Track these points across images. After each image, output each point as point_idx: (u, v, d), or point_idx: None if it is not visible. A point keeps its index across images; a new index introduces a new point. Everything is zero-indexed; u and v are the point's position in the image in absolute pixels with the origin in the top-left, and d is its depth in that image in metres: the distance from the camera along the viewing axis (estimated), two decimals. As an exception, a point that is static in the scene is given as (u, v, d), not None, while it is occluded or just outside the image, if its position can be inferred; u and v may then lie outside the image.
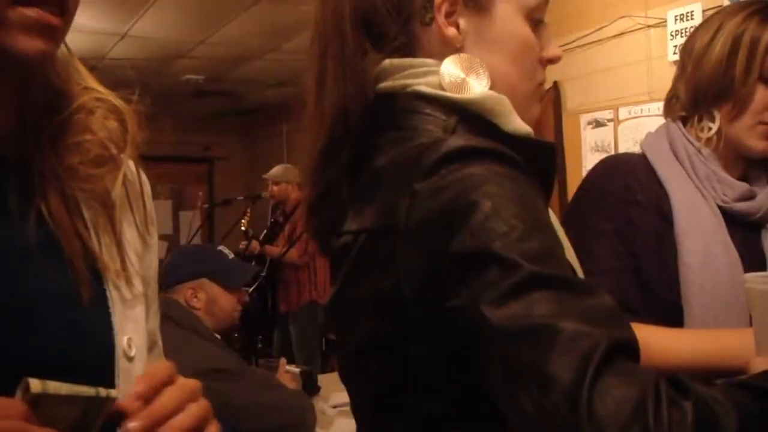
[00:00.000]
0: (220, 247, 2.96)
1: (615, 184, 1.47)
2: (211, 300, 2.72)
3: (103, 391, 0.67)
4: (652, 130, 1.58)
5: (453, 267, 0.81)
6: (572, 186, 4.66)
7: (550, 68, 1.09)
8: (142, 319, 0.92)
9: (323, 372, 4.96)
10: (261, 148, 9.93)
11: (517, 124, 0.96)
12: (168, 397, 0.72)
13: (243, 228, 6.51)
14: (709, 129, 1.46)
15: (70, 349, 0.78)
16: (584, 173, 1.60)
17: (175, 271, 2.68)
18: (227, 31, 5.90)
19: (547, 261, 0.79)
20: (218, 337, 2.72)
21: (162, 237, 1.05)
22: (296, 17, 5.33)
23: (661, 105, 1.61)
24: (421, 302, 0.85)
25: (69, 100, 0.89)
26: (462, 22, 1.01)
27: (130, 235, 0.94)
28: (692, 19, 4.17)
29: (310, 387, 3.08)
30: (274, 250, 5.91)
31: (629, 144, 4.47)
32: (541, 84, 1.08)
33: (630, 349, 0.75)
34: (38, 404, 0.63)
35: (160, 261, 1.09)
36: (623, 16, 4.60)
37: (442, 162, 0.85)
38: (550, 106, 5.06)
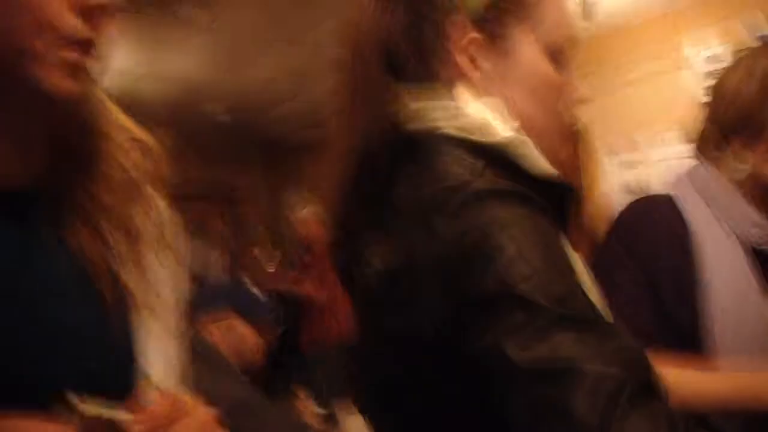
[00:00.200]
0: (246, 282, 2.97)
1: (642, 226, 1.47)
2: (236, 335, 2.72)
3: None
4: (682, 171, 1.57)
5: (476, 309, 0.81)
6: (601, 227, 4.63)
7: (578, 109, 1.09)
8: (170, 350, 0.93)
9: (347, 410, 4.92)
10: (287, 186, 9.99)
11: (542, 166, 0.96)
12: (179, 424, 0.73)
13: (266, 264, 6.52)
14: (741, 171, 1.45)
15: (101, 380, 0.79)
16: (614, 214, 1.59)
17: (201, 305, 2.69)
18: (254, 70, 5.97)
19: (570, 303, 0.79)
20: (240, 372, 2.71)
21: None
22: (324, 58, 5.36)
23: (691, 146, 1.60)
24: (442, 343, 0.85)
25: (100, 136, 0.91)
26: (485, 65, 1.01)
27: (158, 267, 0.95)
28: (723, 60, 4.17)
29: (332, 424, 3.06)
30: (297, 286, 5.92)
31: (659, 185, 4.45)
32: (570, 124, 1.07)
33: (655, 389, 0.75)
34: (80, 424, 0.65)
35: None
36: (653, 58, 4.61)
37: (466, 204, 0.86)
38: (579, 147, 5.06)
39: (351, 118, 1.03)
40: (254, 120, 7.86)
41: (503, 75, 1.01)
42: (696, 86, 4.38)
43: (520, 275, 0.79)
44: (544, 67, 1.02)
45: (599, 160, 5.06)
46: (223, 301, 2.77)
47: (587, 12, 4.12)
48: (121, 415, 0.68)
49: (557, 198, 0.94)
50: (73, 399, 0.65)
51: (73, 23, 0.78)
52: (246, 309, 2.77)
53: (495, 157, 0.96)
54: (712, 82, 1.56)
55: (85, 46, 0.79)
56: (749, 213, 1.44)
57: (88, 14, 0.79)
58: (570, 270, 0.84)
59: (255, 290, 2.92)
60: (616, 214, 1.56)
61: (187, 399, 0.77)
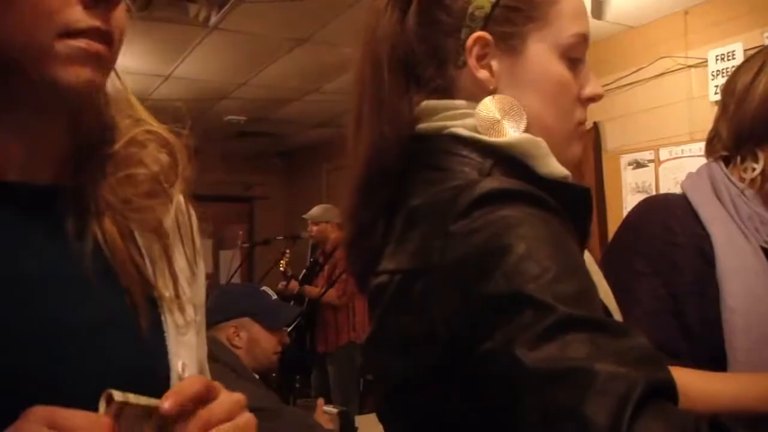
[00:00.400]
0: (264, 288, 2.97)
1: (655, 226, 1.45)
2: (253, 340, 2.73)
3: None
4: (694, 170, 1.56)
5: (486, 309, 0.81)
6: (612, 227, 4.63)
7: (590, 109, 1.08)
8: (194, 345, 0.94)
9: (361, 413, 4.92)
10: (301, 188, 10.01)
11: (553, 167, 0.96)
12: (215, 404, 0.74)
13: (282, 268, 6.53)
14: (753, 169, 1.45)
15: (129, 374, 0.78)
16: (624, 214, 1.58)
17: (218, 309, 2.69)
18: (269, 72, 5.98)
19: (580, 303, 0.78)
20: (257, 376, 2.72)
21: (202, 275, 1.09)
22: (337, 59, 5.40)
23: (702, 145, 1.60)
24: (455, 344, 0.84)
25: (121, 132, 0.92)
26: (495, 64, 1.01)
27: (181, 263, 0.96)
28: (733, 58, 4.16)
29: (348, 428, 3.06)
30: (313, 290, 5.92)
31: (670, 184, 4.45)
32: (582, 123, 1.07)
33: (667, 390, 0.73)
34: (121, 415, 0.65)
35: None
36: (663, 57, 4.60)
37: (475, 204, 0.86)
38: (590, 147, 5.05)
39: (367, 123, 1.03)
40: (267, 120, 7.85)
41: (512, 74, 1.01)
42: (707, 85, 4.36)
43: (529, 274, 0.79)
44: (555, 66, 1.01)
45: (609, 160, 5.06)
46: (240, 304, 2.78)
47: (598, 11, 4.12)
48: (155, 402, 0.68)
49: (570, 200, 0.94)
50: (108, 389, 0.66)
51: (77, 13, 0.77)
52: (262, 313, 2.77)
53: (504, 157, 0.96)
54: (723, 81, 1.56)
55: (95, 36, 0.79)
56: (759, 211, 1.44)
57: (95, 3, 0.78)
58: (580, 269, 0.84)
59: (271, 294, 2.93)
60: (627, 214, 1.55)
61: (217, 384, 0.77)
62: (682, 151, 4.51)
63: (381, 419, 1.07)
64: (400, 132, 1.01)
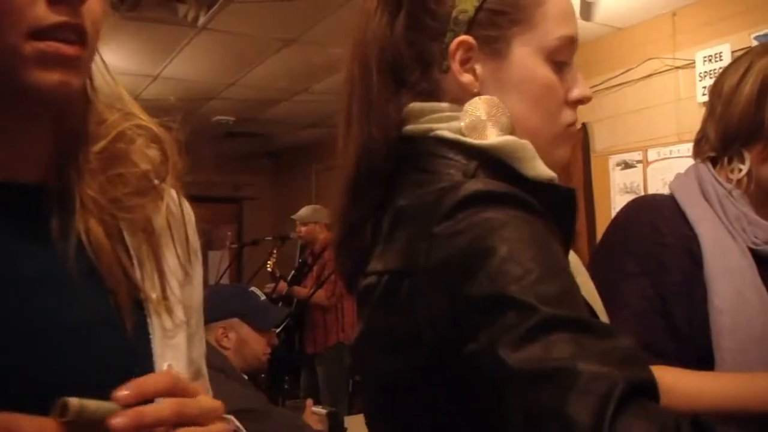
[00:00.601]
0: (252, 289, 2.97)
1: (644, 226, 1.45)
2: (242, 341, 2.72)
3: None
4: (682, 171, 1.57)
5: (470, 311, 0.81)
6: (601, 227, 4.64)
7: (578, 110, 1.08)
8: (183, 347, 0.92)
9: (350, 413, 4.92)
10: (290, 188, 9.99)
11: (539, 169, 0.96)
12: (167, 405, 0.71)
13: (269, 269, 6.52)
14: (740, 170, 1.45)
15: (111, 376, 0.76)
16: (613, 215, 1.58)
17: (207, 310, 2.68)
18: (257, 73, 5.97)
19: (563, 303, 0.79)
20: (246, 377, 2.72)
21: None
22: (326, 59, 5.39)
23: (690, 146, 1.60)
24: (440, 345, 0.85)
25: (109, 127, 0.90)
26: (479, 68, 1.01)
27: (171, 263, 0.94)
28: (721, 60, 4.17)
29: (337, 428, 3.06)
30: (302, 291, 5.91)
31: (658, 185, 4.46)
32: (570, 125, 1.06)
33: (649, 389, 0.74)
34: (76, 423, 0.64)
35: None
36: (651, 58, 4.62)
37: (459, 206, 0.86)
38: (579, 148, 5.07)
39: (357, 124, 1.04)
40: (255, 120, 7.84)
41: (497, 78, 1.01)
42: (695, 86, 4.38)
43: (511, 276, 0.79)
44: (540, 69, 1.01)
45: (597, 161, 5.07)
46: (229, 305, 2.77)
47: (586, 12, 4.13)
48: (116, 407, 0.66)
49: (555, 201, 0.94)
50: (63, 398, 0.64)
51: (42, 9, 0.75)
52: (251, 313, 2.77)
53: (489, 159, 0.96)
54: (711, 82, 1.56)
55: (67, 33, 0.77)
56: (746, 212, 1.44)
57: (65, 2, 0.76)
58: (563, 271, 0.84)
59: (260, 295, 2.92)
60: (616, 215, 1.56)
61: (197, 387, 0.75)
62: (670, 152, 4.53)
63: (369, 421, 1.07)
64: (389, 133, 1.01)
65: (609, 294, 1.08)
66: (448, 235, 0.85)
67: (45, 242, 0.82)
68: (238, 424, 0.93)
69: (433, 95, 1.03)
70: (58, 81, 0.77)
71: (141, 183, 0.91)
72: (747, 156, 1.45)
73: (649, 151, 4.67)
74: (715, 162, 1.51)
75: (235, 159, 9.94)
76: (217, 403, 0.77)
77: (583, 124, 5.02)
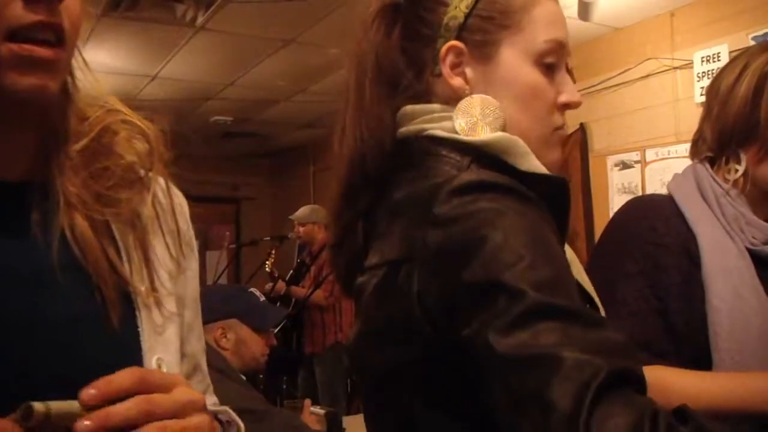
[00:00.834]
0: (251, 289, 2.96)
1: (642, 227, 1.45)
2: (240, 341, 2.72)
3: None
4: (680, 171, 1.57)
5: (464, 297, 0.83)
6: (599, 227, 4.64)
7: (576, 110, 1.10)
8: (175, 340, 0.92)
9: (348, 413, 4.92)
10: (288, 188, 9.99)
11: (533, 164, 0.98)
12: (133, 403, 0.68)
13: (267, 269, 6.52)
14: (736, 171, 1.45)
15: (97, 371, 0.75)
16: (611, 215, 1.59)
17: (205, 310, 2.67)
18: (255, 73, 5.97)
19: (555, 290, 0.80)
20: (244, 377, 2.71)
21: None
22: (323, 60, 5.40)
23: (688, 146, 1.60)
24: (436, 330, 0.87)
25: (92, 124, 0.90)
26: (469, 72, 1.04)
27: (161, 254, 0.94)
28: (719, 60, 4.18)
29: (335, 428, 3.05)
30: (300, 291, 5.91)
31: (656, 185, 4.47)
32: (559, 128, 1.09)
33: (632, 378, 0.75)
34: (41, 427, 0.63)
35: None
36: (649, 58, 4.62)
37: (455, 194, 0.88)
38: (577, 148, 5.07)
39: (350, 130, 1.07)
40: (253, 120, 7.84)
41: (486, 80, 1.04)
42: (693, 87, 4.38)
43: (504, 263, 0.81)
44: (527, 71, 1.04)
45: (596, 161, 5.07)
46: (227, 306, 2.77)
47: (584, 12, 4.13)
48: (73, 406, 0.65)
49: (549, 192, 0.96)
50: (28, 402, 0.62)
51: (18, 9, 0.75)
52: (250, 314, 2.77)
53: (482, 155, 0.98)
54: (709, 82, 1.56)
55: (44, 34, 0.77)
56: (744, 212, 1.44)
57: (42, 1, 0.76)
58: (556, 258, 0.86)
59: (259, 295, 2.92)
60: (614, 215, 1.56)
61: (173, 378, 0.74)
62: (669, 152, 4.53)
63: (367, 417, 1.08)
64: (381, 138, 1.05)
65: (607, 294, 1.08)
66: (443, 223, 0.87)
67: (26, 238, 0.81)
68: (234, 416, 0.92)
69: (426, 98, 1.06)
70: (34, 84, 0.77)
71: (127, 175, 0.90)
72: (743, 157, 1.45)
73: (648, 152, 4.67)
74: (713, 162, 1.51)
75: (233, 159, 9.94)
76: (196, 395, 0.75)
77: (582, 125, 5.03)
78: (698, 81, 4.31)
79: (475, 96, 1.02)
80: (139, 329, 0.87)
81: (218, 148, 9.14)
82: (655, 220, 1.45)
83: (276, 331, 4.63)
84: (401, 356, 0.94)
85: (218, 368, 2.53)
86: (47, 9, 0.77)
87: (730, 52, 4.07)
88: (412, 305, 0.89)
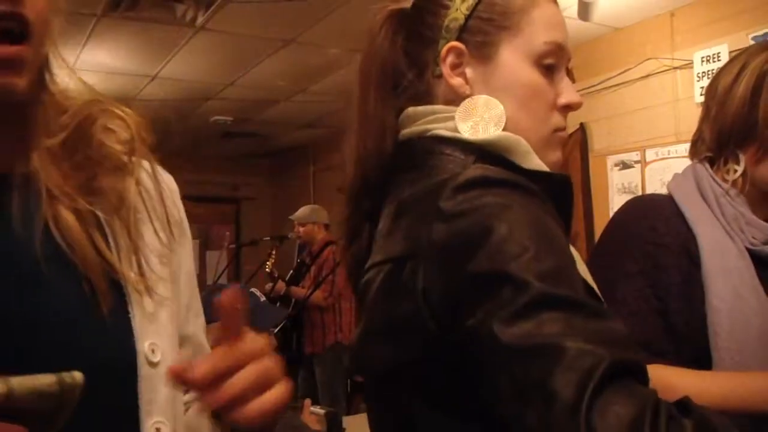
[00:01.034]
0: (252, 289, 2.96)
1: (642, 226, 1.45)
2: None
3: (67, 376, 0.66)
4: (680, 171, 1.57)
5: (469, 288, 0.84)
6: (599, 227, 4.64)
7: (576, 110, 1.10)
8: (168, 324, 0.91)
9: (348, 413, 4.93)
10: (288, 188, 9.99)
11: (535, 162, 1.00)
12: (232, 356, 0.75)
13: (267, 269, 6.52)
14: (735, 171, 1.45)
15: (87, 359, 0.76)
16: (611, 215, 1.58)
17: (206, 310, 2.67)
18: (255, 73, 5.97)
19: (559, 281, 0.81)
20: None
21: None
22: (323, 60, 5.39)
23: (688, 146, 1.60)
24: (439, 327, 0.87)
25: (72, 115, 0.89)
26: (469, 72, 1.06)
27: (149, 239, 0.93)
28: (719, 60, 4.18)
29: (335, 428, 3.06)
30: (300, 291, 5.91)
31: (656, 185, 4.46)
32: (559, 130, 1.09)
33: (635, 369, 0.76)
34: (9, 401, 0.61)
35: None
36: (649, 58, 4.62)
37: (460, 189, 0.89)
38: (577, 148, 5.07)
39: (355, 136, 1.10)
40: (253, 120, 7.84)
41: (486, 81, 1.06)
42: (693, 87, 4.38)
43: (510, 254, 0.82)
44: (526, 72, 1.05)
45: (596, 161, 5.07)
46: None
47: (584, 12, 4.13)
48: (47, 380, 0.64)
49: (553, 190, 0.97)
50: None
51: None
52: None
53: (486, 153, 1.00)
54: (707, 82, 1.56)
55: (7, 23, 0.76)
56: (744, 212, 1.44)
57: None
58: (560, 250, 0.87)
59: (260, 296, 2.92)
60: (614, 215, 1.55)
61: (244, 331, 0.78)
62: (669, 152, 4.53)
63: (371, 417, 1.08)
64: (383, 143, 1.07)
65: (607, 294, 1.08)
66: (448, 218, 0.88)
67: (8, 232, 0.81)
68: None
69: (426, 99, 1.08)
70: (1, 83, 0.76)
71: (110, 163, 0.90)
72: (742, 157, 1.45)
73: (647, 152, 4.67)
74: (712, 162, 1.51)
75: (233, 159, 9.94)
76: (268, 340, 0.80)
77: (581, 125, 5.03)
78: (698, 81, 4.31)
79: (477, 96, 1.04)
80: (130, 315, 0.86)
81: (218, 148, 9.14)
82: (655, 219, 1.45)
83: (276, 331, 4.63)
84: (401, 356, 0.94)
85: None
86: (13, 8, 0.76)
87: (730, 52, 4.07)
88: (417, 302, 0.89)
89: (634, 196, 1.64)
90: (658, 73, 4.60)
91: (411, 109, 1.07)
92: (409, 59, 1.09)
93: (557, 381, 0.73)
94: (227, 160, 9.86)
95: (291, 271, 6.41)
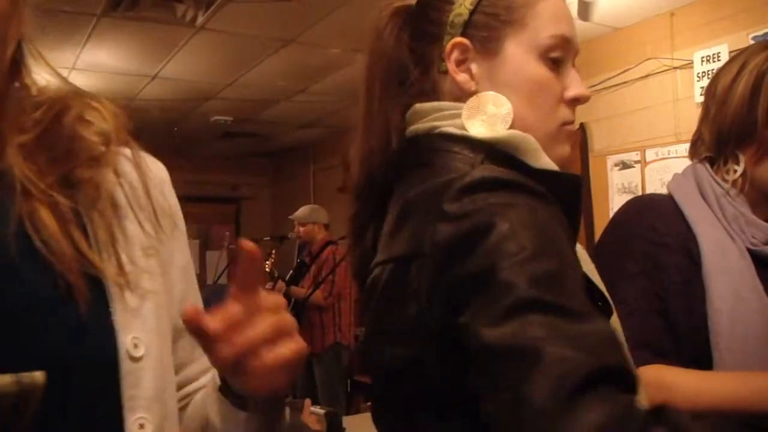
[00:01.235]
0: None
1: (642, 226, 1.45)
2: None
3: (26, 377, 0.64)
4: (680, 171, 1.57)
5: (465, 285, 0.83)
6: (599, 227, 4.64)
7: (576, 110, 1.09)
8: (152, 317, 0.88)
9: (348, 413, 4.93)
10: (288, 188, 9.99)
11: (544, 161, 0.99)
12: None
13: (268, 269, 6.51)
14: (735, 171, 1.45)
15: (66, 355, 0.75)
16: (611, 215, 1.58)
17: (207, 309, 2.66)
18: (255, 73, 5.97)
19: (552, 285, 0.80)
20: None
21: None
22: (323, 60, 5.39)
23: (688, 146, 1.60)
24: (442, 323, 0.87)
25: (46, 110, 0.88)
26: (474, 67, 1.05)
27: (133, 231, 0.90)
28: (718, 60, 4.18)
29: (335, 428, 3.05)
30: (300, 291, 5.91)
31: (656, 185, 4.46)
32: (568, 124, 1.08)
33: (616, 376, 0.74)
34: None
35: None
36: (649, 58, 4.62)
37: (466, 190, 0.88)
38: (577, 148, 5.06)
39: (360, 138, 1.09)
40: (253, 120, 7.84)
41: (492, 76, 1.05)
42: (693, 87, 4.38)
43: (506, 252, 0.81)
44: (532, 66, 1.04)
45: (596, 161, 5.07)
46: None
47: (584, 12, 4.13)
48: (6, 378, 0.62)
49: (561, 190, 0.96)
50: None
51: None
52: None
53: (494, 151, 0.99)
54: (708, 82, 1.56)
55: None
56: (744, 212, 1.44)
57: None
58: (561, 255, 0.85)
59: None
60: (614, 215, 1.55)
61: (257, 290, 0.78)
62: (669, 152, 4.53)
63: (376, 419, 1.08)
64: (388, 142, 1.07)
65: (608, 293, 1.07)
66: (453, 218, 0.87)
67: None
68: None
69: (432, 96, 1.07)
70: None
71: (86, 154, 0.88)
72: (741, 157, 1.44)
73: (647, 151, 4.67)
74: (712, 162, 1.50)
75: (233, 159, 9.95)
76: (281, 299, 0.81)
77: (582, 125, 5.03)
78: (698, 81, 4.31)
79: (484, 93, 1.03)
80: (111, 310, 0.84)
81: (218, 147, 9.14)
82: (655, 219, 1.45)
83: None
84: (406, 355, 0.93)
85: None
86: None
87: (730, 52, 4.07)
88: (421, 302, 0.89)
89: (634, 196, 1.63)
90: (658, 73, 4.60)
91: (418, 106, 1.06)
92: (415, 56, 1.09)
93: (530, 384, 0.72)
94: (227, 160, 9.86)
95: (291, 271, 6.41)
